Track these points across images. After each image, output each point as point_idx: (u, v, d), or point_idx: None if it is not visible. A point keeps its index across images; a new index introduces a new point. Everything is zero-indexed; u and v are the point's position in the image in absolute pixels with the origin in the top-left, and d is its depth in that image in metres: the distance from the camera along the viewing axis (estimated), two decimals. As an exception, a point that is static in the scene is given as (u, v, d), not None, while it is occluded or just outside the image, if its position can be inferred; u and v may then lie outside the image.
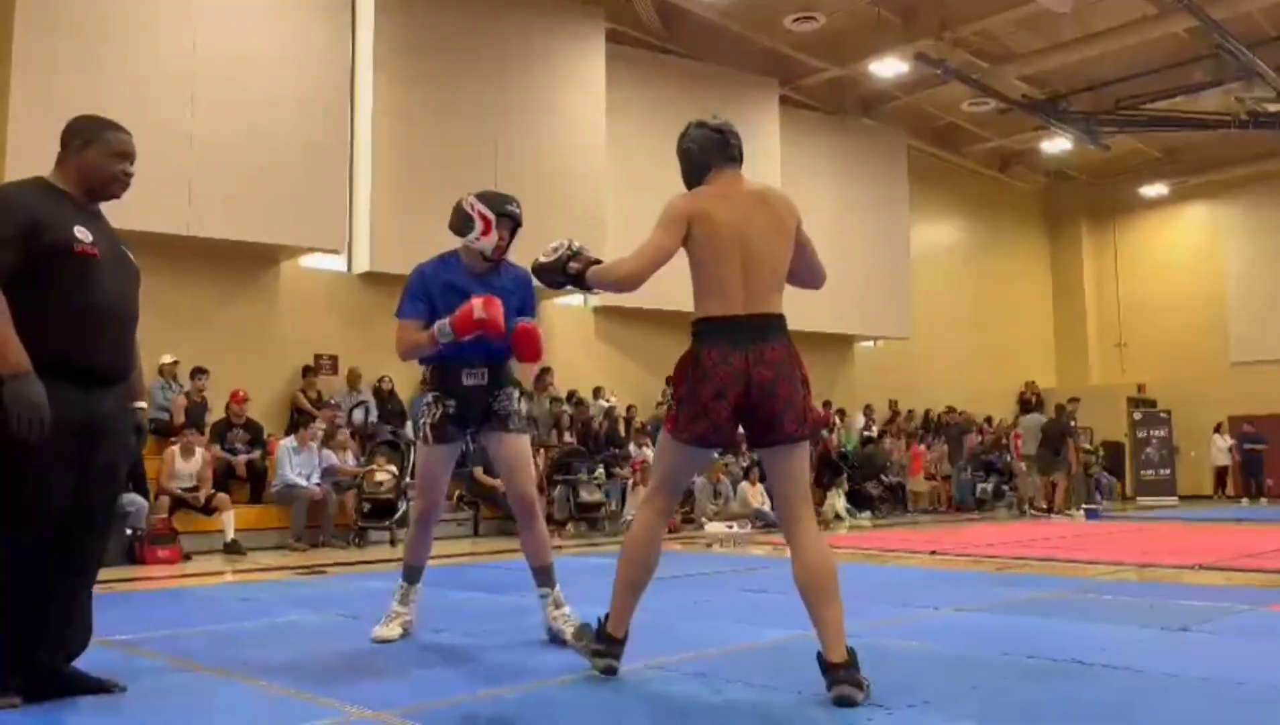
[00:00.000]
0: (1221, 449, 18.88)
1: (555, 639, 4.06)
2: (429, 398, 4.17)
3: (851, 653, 3.09)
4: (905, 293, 17.40)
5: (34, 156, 9.77)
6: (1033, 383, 20.83)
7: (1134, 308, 21.45)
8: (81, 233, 3.15)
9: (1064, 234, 22.43)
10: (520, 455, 4.15)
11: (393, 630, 4.23)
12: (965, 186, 20.47)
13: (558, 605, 4.14)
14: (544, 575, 4.17)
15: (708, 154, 3.41)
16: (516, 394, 4.18)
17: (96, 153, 3.35)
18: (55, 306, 3.01)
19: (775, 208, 3.37)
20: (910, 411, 17.60)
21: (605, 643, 3.46)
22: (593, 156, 13.10)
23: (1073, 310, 22.14)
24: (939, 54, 14.58)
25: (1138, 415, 19.57)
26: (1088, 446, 16.75)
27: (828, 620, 3.11)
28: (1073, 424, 14.70)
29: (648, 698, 3.25)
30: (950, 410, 18.04)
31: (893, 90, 16.47)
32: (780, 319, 3.35)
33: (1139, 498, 18.79)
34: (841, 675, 3.05)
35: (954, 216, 20.52)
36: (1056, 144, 18.85)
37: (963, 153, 19.70)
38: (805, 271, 3.67)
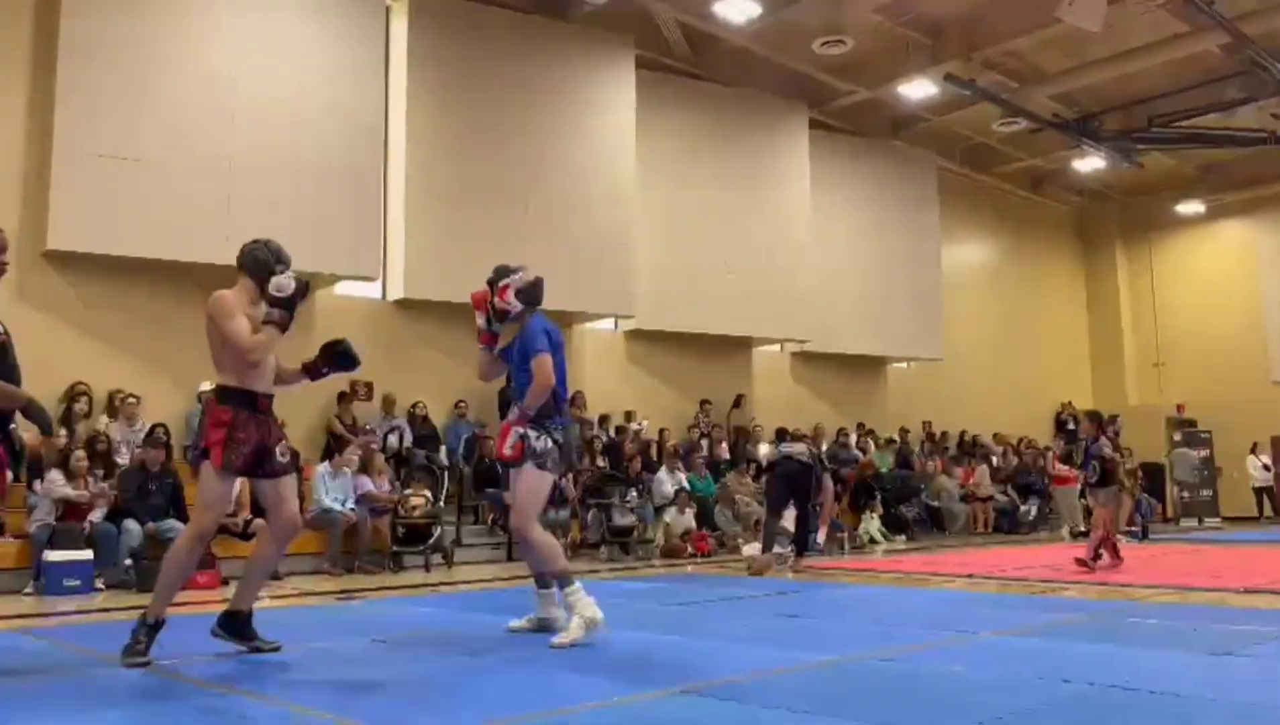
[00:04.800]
0: (1258, 469, 18.54)
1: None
2: None
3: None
4: (937, 314, 17.30)
5: (78, 187, 10.09)
6: (1069, 403, 20.56)
7: (1171, 327, 21.14)
8: None
9: (1098, 253, 22.20)
10: (515, 488, 5.06)
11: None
12: (997, 207, 20.34)
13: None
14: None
15: None
16: (534, 435, 4.95)
17: None
18: None
19: None
20: (944, 432, 17.46)
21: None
22: (623, 181, 13.18)
23: (1109, 330, 21.88)
24: (968, 75, 14.54)
25: (1177, 436, 19.25)
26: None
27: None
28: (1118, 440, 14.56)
29: (684, 722, 3.24)
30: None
31: (922, 112, 16.44)
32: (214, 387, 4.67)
33: (1180, 519, 18.46)
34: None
35: (986, 237, 20.39)
36: (1089, 163, 18.68)
37: (994, 173, 19.60)
38: None
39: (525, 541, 5.15)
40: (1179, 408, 20.22)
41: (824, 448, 14.32)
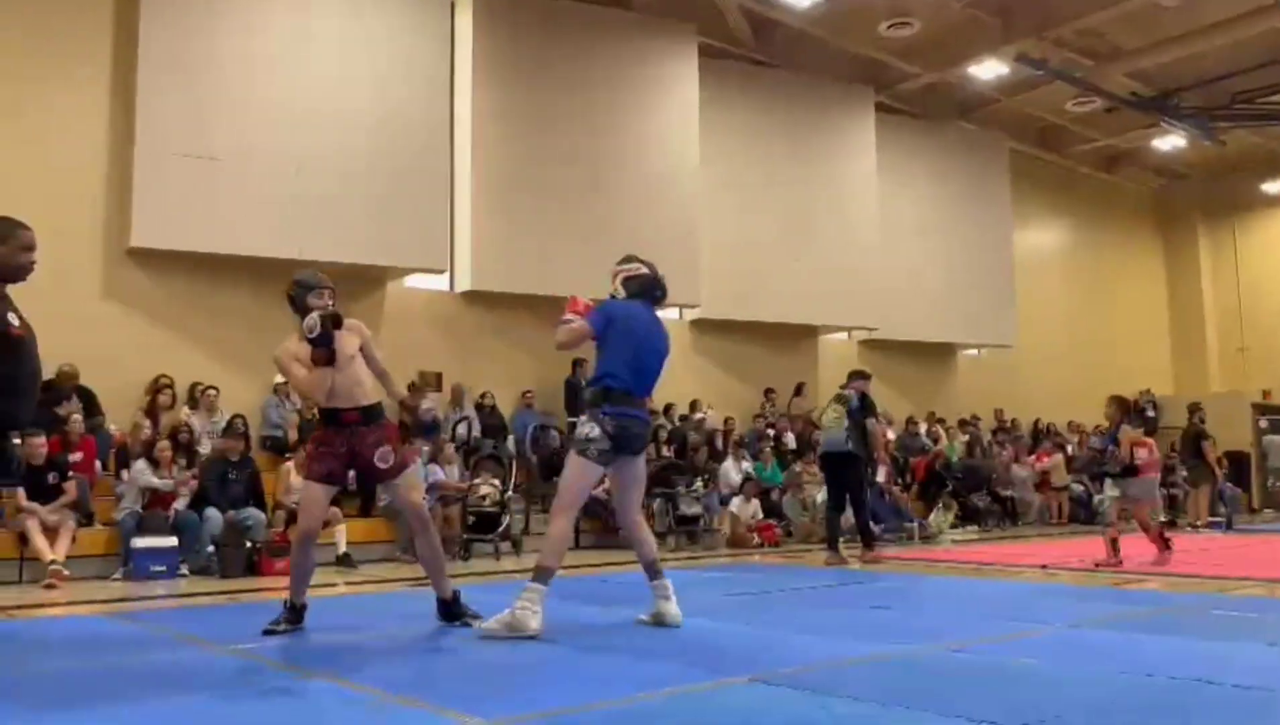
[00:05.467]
0: None
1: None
2: None
3: None
4: (1009, 300, 16.95)
5: (159, 187, 10.41)
6: (1148, 390, 20.02)
7: (1256, 310, 20.40)
8: (12, 318, 3.90)
9: (1179, 235, 21.51)
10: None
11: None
12: (1071, 188, 19.84)
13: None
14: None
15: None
16: (582, 420, 4.94)
17: (9, 248, 4.01)
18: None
19: None
20: (1015, 420, 17.11)
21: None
22: (687, 169, 13.16)
23: (1190, 314, 21.20)
24: (1040, 54, 14.19)
25: (1263, 423, 18.60)
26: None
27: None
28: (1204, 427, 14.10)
29: (753, 711, 3.24)
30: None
31: (992, 93, 16.10)
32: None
33: (1265, 509, 17.85)
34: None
35: (1060, 220, 19.90)
36: (1168, 142, 18.11)
37: (1067, 154, 19.11)
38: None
39: (631, 531, 5.11)
40: (1265, 394, 19.54)
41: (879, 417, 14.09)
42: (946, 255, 16.20)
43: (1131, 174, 20.69)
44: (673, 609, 4.95)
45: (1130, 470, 8.34)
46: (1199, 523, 13.63)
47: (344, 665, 4.09)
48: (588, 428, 4.82)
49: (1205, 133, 16.82)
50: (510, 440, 11.56)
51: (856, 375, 9.48)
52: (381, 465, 4.97)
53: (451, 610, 5.14)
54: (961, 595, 6.76)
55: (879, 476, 9.65)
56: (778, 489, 12.29)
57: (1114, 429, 8.53)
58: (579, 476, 4.88)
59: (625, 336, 4.95)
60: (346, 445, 4.93)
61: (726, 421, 13.39)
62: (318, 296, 4.95)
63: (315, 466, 4.98)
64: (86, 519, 8.42)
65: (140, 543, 8.10)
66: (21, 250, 4.03)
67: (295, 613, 4.92)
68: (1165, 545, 8.19)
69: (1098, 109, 16.70)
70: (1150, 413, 19.29)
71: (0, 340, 3.81)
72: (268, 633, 4.79)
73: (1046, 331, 18.22)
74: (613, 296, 5.14)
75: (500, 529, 9.96)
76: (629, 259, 5.21)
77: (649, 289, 5.15)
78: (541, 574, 4.70)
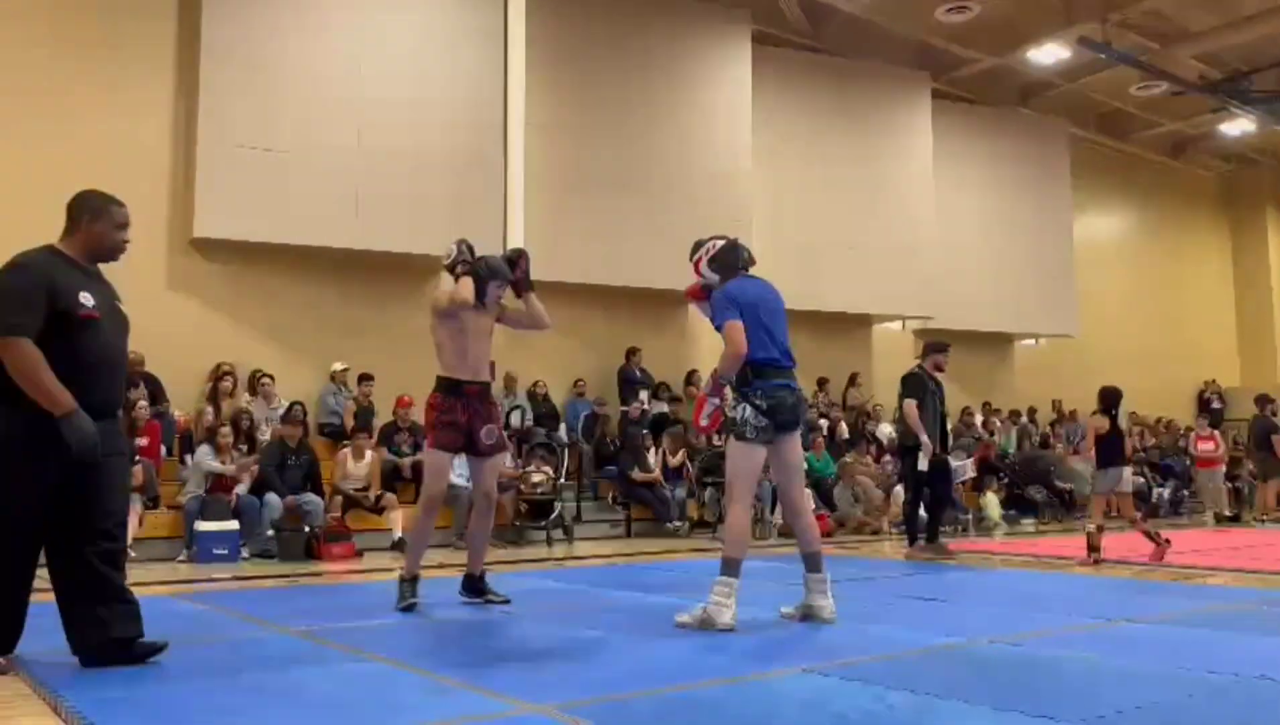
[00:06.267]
0: None
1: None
2: None
3: None
4: (1069, 289, 16.62)
5: (220, 178, 10.60)
6: (1213, 382, 19.52)
7: (1329, 299, 19.78)
8: (85, 298, 3.70)
9: (1247, 222, 20.88)
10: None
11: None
12: (1135, 175, 19.35)
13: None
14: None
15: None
16: (731, 403, 4.79)
17: (104, 226, 3.84)
18: (67, 360, 3.60)
19: None
20: (1074, 411, 16.78)
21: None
22: (740, 158, 13.08)
23: (1258, 303, 20.58)
24: (1104, 37, 13.85)
25: (1334, 416, 17.99)
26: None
27: None
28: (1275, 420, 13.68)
29: (807, 701, 3.24)
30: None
31: (1053, 77, 15.76)
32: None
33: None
34: None
35: (1123, 207, 19.43)
36: (1237, 126, 17.57)
37: (1131, 140, 18.64)
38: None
39: (794, 516, 4.98)
40: (1336, 386, 18.91)
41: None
42: (1005, 243, 15.93)
43: (1198, 160, 20.14)
44: (827, 604, 4.75)
45: (1113, 459, 8.07)
46: (1265, 517, 13.28)
47: (400, 648, 4.16)
48: (739, 410, 4.63)
49: (1276, 117, 16.30)
50: (563, 428, 11.63)
51: (930, 348, 8.76)
52: (487, 442, 5.27)
53: (479, 587, 5.42)
54: (1018, 588, 6.67)
55: (922, 463, 8.46)
56: (830, 480, 12.20)
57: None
58: (742, 461, 4.69)
59: (750, 310, 4.73)
60: (466, 416, 5.21)
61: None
62: (499, 287, 5.47)
63: (441, 436, 5.20)
64: (152, 503, 8.66)
65: (203, 526, 8.31)
66: (116, 228, 3.82)
67: (414, 583, 5.22)
68: (1093, 553, 7.83)
69: (1163, 93, 16.26)
70: (1215, 405, 18.82)
71: (68, 321, 3.60)
72: (404, 609, 5.10)
73: (1107, 321, 17.83)
74: (706, 287, 4.98)
75: (552, 516, 10.05)
76: (698, 245, 5.04)
77: (735, 256, 4.96)
78: (728, 566, 4.56)
